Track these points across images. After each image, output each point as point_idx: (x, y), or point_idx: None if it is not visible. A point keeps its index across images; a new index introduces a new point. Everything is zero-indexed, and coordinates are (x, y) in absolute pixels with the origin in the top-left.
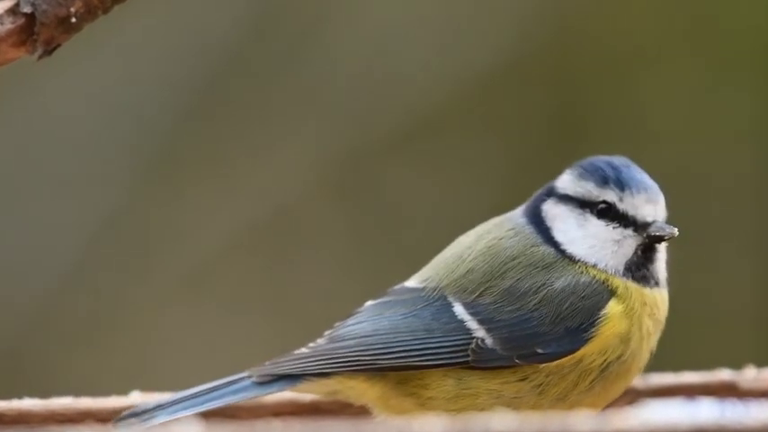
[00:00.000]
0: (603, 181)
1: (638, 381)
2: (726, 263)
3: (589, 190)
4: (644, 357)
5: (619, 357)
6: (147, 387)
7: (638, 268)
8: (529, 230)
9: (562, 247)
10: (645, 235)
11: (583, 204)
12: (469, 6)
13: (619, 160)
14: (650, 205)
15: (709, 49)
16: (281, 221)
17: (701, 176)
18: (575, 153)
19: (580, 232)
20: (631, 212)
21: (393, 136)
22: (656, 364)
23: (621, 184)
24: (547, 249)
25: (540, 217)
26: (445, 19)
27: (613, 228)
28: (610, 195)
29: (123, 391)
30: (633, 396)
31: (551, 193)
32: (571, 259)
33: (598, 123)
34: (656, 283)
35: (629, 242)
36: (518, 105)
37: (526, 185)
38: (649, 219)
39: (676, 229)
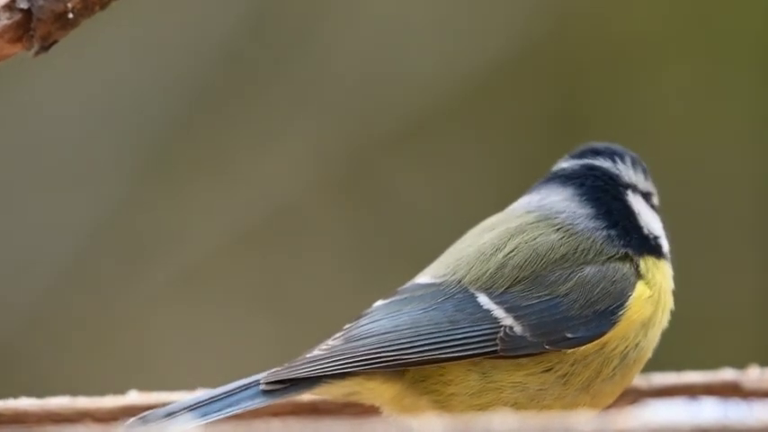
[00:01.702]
0: (645, 172)
1: (641, 381)
2: (729, 261)
3: (640, 181)
4: (656, 341)
5: (637, 344)
6: (144, 386)
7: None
8: (598, 227)
9: (657, 242)
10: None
11: (643, 195)
12: (470, 3)
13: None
14: None
15: (710, 44)
16: (280, 220)
17: (702, 173)
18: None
19: (657, 225)
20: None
21: (393, 133)
22: (658, 364)
23: (650, 177)
24: (623, 250)
25: (628, 209)
26: (446, 16)
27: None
28: (651, 189)
29: (120, 390)
30: (635, 396)
31: (622, 185)
32: (662, 255)
33: (599, 120)
34: None
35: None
36: (519, 102)
37: (528, 182)
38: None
39: None
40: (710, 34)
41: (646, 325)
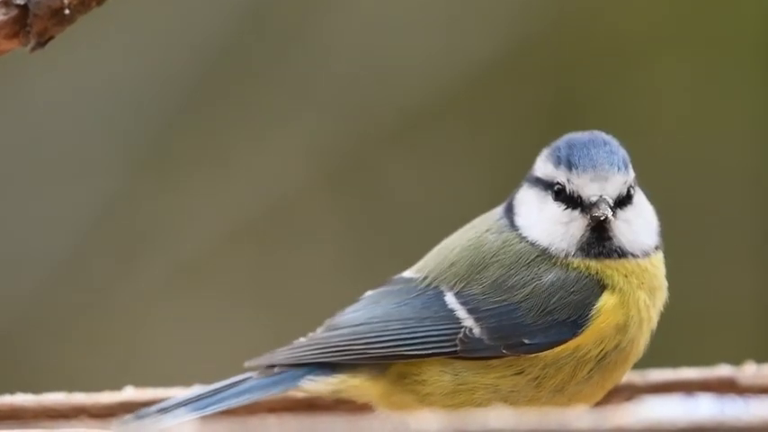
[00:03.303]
0: (557, 161)
1: (637, 377)
2: (725, 257)
3: (548, 171)
4: (644, 339)
5: (616, 346)
6: (140, 382)
7: (593, 246)
8: (504, 224)
9: (522, 233)
10: (588, 216)
11: (546, 186)
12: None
13: (584, 136)
14: (595, 183)
15: (707, 39)
16: (276, 215)
17: (701, 169)
18: None
19: (537, 215)
20: (578, 193)
21: (389, 129)
22: (654, 360)
23: (570, 164)
24: (524, 246)
25: (511, 205)
26: (442, 9)
27: (563, 210)
28: (561, 176)
29: (117, 386)
30: (631, 392)
31: (527, 178)
32: (534, 246)
33: (597, 114)
34: (623, 254)
35: (576, 224)
36: (514, 98)
37: (522, 179)
38: (593, 198)
39: (609, 211)
40: (707, 29)
41: (622, 329)
